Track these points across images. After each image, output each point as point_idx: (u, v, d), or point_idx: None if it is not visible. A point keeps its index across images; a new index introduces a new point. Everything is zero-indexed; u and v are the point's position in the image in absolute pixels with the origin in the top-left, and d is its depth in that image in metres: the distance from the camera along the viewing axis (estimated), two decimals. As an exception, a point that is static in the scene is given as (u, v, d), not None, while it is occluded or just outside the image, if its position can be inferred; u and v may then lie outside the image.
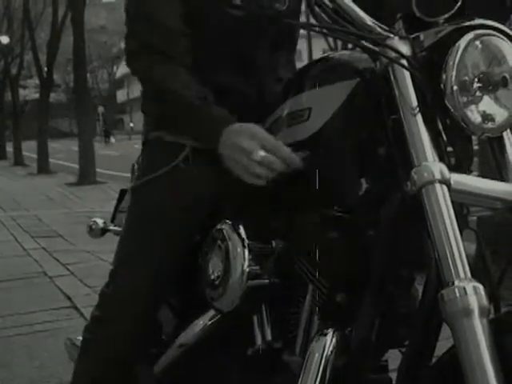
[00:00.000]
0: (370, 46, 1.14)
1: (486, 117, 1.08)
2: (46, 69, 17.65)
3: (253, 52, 1.46)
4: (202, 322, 1.51)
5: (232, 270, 1.35)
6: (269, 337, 1.38)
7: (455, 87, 1.07)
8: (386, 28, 1.15)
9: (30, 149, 21.71)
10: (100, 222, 2.06)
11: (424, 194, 1.04)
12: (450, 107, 1.08)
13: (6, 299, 4.29)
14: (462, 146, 1.16)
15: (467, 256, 1.02)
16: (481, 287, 0.97)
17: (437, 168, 1.04)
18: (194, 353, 1.54)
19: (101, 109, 43.04)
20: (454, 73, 1.07)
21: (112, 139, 37.63)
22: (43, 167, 17.16)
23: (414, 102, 1.10)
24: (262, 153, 1.25)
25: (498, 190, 1.11)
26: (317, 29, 1.19)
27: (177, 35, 1.40)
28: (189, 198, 1.46)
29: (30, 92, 30.20)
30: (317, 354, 1.20)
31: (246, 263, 1.33)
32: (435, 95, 1.09)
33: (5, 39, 22.50)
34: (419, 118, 1.09)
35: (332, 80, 1.25)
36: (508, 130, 1.16)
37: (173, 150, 1.46)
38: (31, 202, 10.13)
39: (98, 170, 13.73)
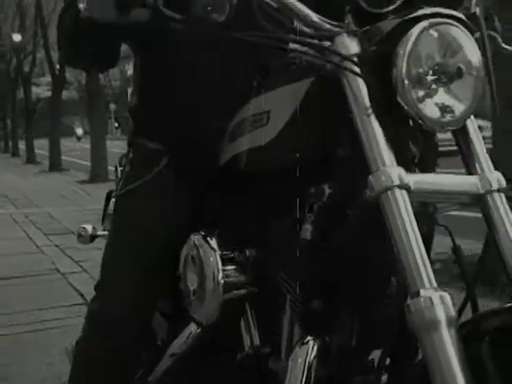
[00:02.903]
0: (313, 50, 1.09)
1: (444, 110, 1.04)
2: (58, 66, 17.70)
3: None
4: (191, 331, 1.48)
5: (207, 282, 1.33)
6: (257, 341, 1.35)
7: (406, 81, 1.01)
8: (335, 23, 1.10)
9: (42, 146, 21.79)
10: (89, 228, 2.09)
11: (383, 200, 1.00)
12: (403, 104, 1.02)
13: (18, 296, 4.31)
14: (423, 142, 1.12)
15: (432, 263, 0.99)
16: (447, 296, 0.94)
17: (394, 173, 1.00)
18: (185, 361, 1.52)
19: (112, 106, 43.21)
20: (404, 65, 1.01)
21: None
22: (55, 165, 17.22)
23: (367, 102, 1.05)
24: None
25: (462, 184, 1.09)
26: (260, 38, 1.11)
27: None
28: (170, 205, 1.48)
29: (42, 90, 30.33)
30: (299, 362, 1.18)
31: (221, 275, 1.31)
32: (388, 93, 1.03)
33: (17, 37, 22.59)
34: (373, 119, 1.04)
35: (288, 80, 1.21)
36: (473, 120, 1.12)
37: (155, 158, 1.49)
38: (43, 200, 10.16)
39: (109, 167, 13.77)
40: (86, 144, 17.55)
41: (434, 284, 0.96)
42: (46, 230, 7.01)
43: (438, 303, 0.93)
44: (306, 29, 1.09)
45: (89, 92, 14.38)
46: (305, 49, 1.11)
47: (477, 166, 1.11)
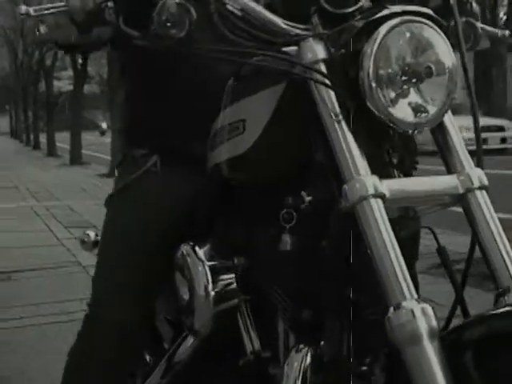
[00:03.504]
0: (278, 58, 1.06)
1: (418, 110, 1.01)
2: (80, 60, 17.81)
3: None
4: (188, 340, 1.46)
5: (197, 295, 1.31)
6: (255, 348, 1.32)
7: (374, 84, 0.98)
8: (302, 27, 1.06)
9: (63, 140, 21.94)
10: (92, 234, 2.04)
11: (358, 210, 0.97)
12: (373, 108, 0.99)
13: (39, 287, 4.36)
14: (401, 143, 1.09)
15: (415, 279, 0.96)
16: (429, 308, 0.92)
17: (369, 182, 0.97)
18: (183, 369, 1.49)
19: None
20: (371, 66, 0.98)
21: None
22: (76, 158, 17.33)
23: (336, 109, 1.02)
24: None
25: (440, 185, 1.06)
26: (221, 53, 1.10)
27: None
28: (157, 207, 1.48)
29: (64, 84, 30.54)
30: (294, 369, 1.15)
31: (210, 286, 1.30)
32: (357, 97, 1.00)
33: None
34: (344, 126, 1.01)
35: (260, 86, 1.16)
36: (450, 116, 1.09)
37: (142, 161, 1.49)
38: (64, 193, 10.24)
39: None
40: (107, 138, 17.62)
41: (415, 295, 0.94)
42: (67, 222, 7.06)
43: (419, 315, 0.91)
44: (269, 36, 1.06)
45: (110, 86, 14.46)
46: (269, 58, 1.08)
47: (457, 163, 1.07)
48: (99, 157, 18.94)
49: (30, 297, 4.13)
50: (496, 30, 1.23)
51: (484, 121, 16.35)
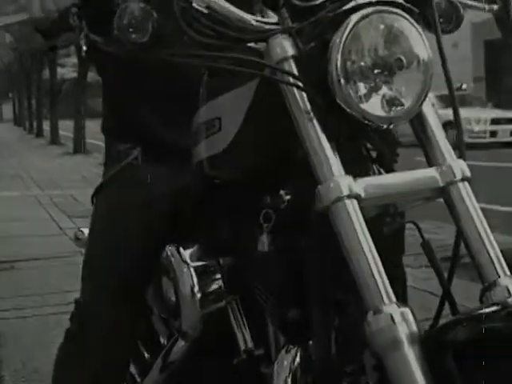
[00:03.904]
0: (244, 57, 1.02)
1: (392, 104, 0.97)
2: (84, 48, 17.79)
3: None
4: (178, 342, 1.45)
5: (183, 298, 1.31)
6: (250, 345, 1.31)
7: (342, 80, 0.95)
8: (272, 22, 1.03)
9: (66, 128, 21.97)
10: (86, 231, 2.03)
11: (333, 211, 0.95)
12: (343, 105, 0.96)
13: (42, 277, 4.40)
14: (378, 137, 1.06)
15: (402, 277, 0.94)
16: (408, 311, 0.90)
17: (343, 182, 0.95)
18: (175, 369, 1.49)
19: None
20: (339, 59, 0.95)
21: None
22: (79, 147, 17.37)
23: (307, 107, 0.99)
24: None
25: (420, 179, 1.03)
26: (185, 58, 1.07)
27: None
28: (138, 201, 1.47)
29: (67, 71, 30.53)
30: (284, 368, 1.14)
31: (196, 288, 1.30)
32: (328, 94, 0.97)
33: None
34: (316, 124, 0.98)
35: (234, 83, 1.14)
36: (429, 105, 1.06)
37: (124, 154, 1.50)
38: (67, 182, 10.27)
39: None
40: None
41: (393, 299, 0.91)
42: (70, 212, 7.09)
43: (399, 320, 0.89)
44: (238, 34, 1.03)
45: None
46: (236, 57, 1.04)
47: (438, 155, 1.04)
48: (102, 146, 18.97)
49: (33, 286, 4.15)
50: (483, 5, 1.18)
51: (495, 113, 16.31)
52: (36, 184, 10.22)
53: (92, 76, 18.71)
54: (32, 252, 5.05)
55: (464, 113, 9.12)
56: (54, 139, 21.98)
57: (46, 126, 24.71)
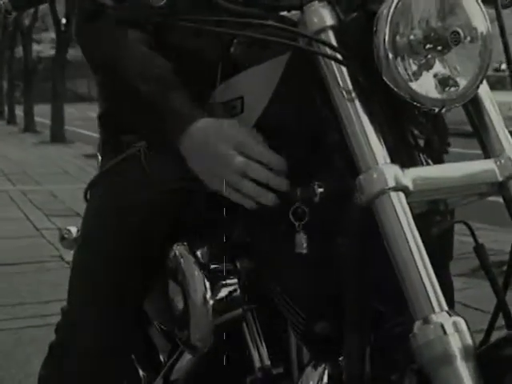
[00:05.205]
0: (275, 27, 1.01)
1: (445, 84, 0.97)
2: (64, 21, 17.81)
3: None
4: (186, 357, 1.46)
5: (192, 304, 1.29)
6: (266, 362, 1.31)
7: (391, 55, 0.94)
8: None
9: (42, 113, 21.99)
10: (74, 230, 2.03)
11: (376, 205, 0.95)
12: (390, 84, 0.96)
13: (15, 286, 4.40)
14: (428, 122, 1.06)
15: (449, 284, 0.95)
16: (462, 321, 0.90)
17: (389, 172, 0.95)
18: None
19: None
20: (387, 33, 0.94)
21: None
22: (58, 135, 17.36)
23: (348, 86, 0.98)
24: (249, 164, 1.13)
25: (475, 172, 1.03)
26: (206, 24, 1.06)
27: None
28: (143, 194, 1.45)
29: (44, 48, 30.59)
30: None
31: (209, 294, 1.28)
32: (374, 71, 0.97)
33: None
34: (358, 105, 0.98)
35: (260, 58, 1.12)
36: (486, 88, 1.06)
37: (126, 145, 1.49)
38: (44, 175, 10.28)
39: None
40: (93, 113, 17.68)
41: (445, 307, 0.91)
42: (47, 210, 7.11)
43: (451, 332, 0.89)
44: (268, 0, 1.04)
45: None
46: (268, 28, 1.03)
47: (495, 146, 1.04)
48: (85, 134, 18.99)
49: (3, 296, 4.15)
50: None
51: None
52: (7, 178, 10.23)
53: (73, 53, 18.71)
54: (5, 256, 5.05)
55: (504, 97, 9.07)
56: (28, 126, 21.97)
57: (19, 111, 24.74)
